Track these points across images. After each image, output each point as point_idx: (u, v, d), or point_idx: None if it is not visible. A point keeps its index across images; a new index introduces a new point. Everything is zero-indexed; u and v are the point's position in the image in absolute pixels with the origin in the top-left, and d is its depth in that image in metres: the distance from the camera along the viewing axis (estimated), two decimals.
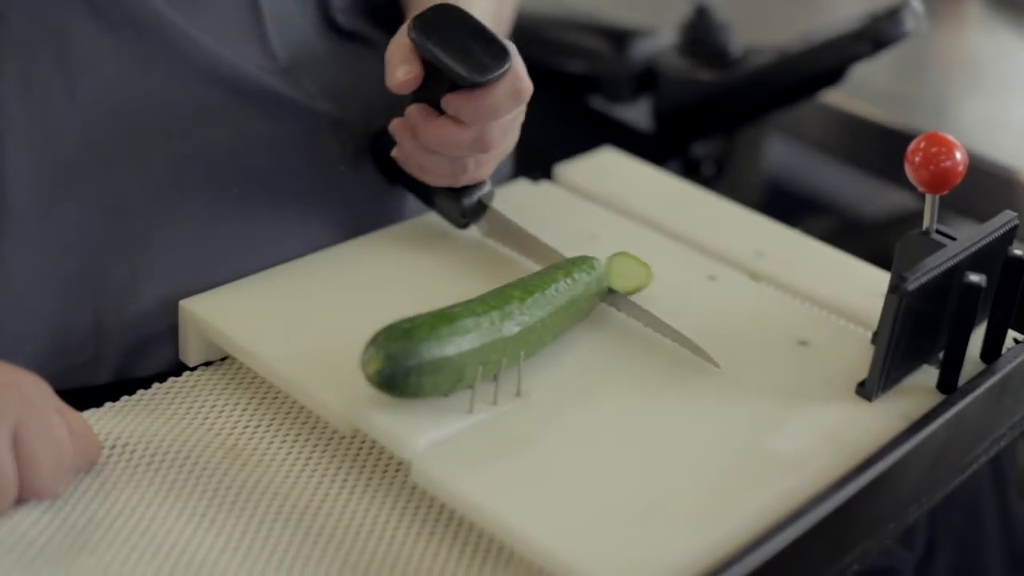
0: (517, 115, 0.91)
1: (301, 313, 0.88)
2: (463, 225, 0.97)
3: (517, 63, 0.87)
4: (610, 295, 0.90)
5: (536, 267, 0.93)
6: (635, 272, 0.91)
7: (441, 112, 0.88)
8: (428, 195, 0.98)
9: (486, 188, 0.96)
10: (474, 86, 0.86)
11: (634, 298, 0.90)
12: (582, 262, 0.88)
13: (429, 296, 0.84)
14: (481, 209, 0.96)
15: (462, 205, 0.95)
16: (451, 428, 0.78)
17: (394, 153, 0.94)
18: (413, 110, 0.90)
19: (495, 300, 0.82)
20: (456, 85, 0.86)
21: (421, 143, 0.90)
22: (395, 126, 0.92)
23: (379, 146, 0.97)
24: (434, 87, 0.88)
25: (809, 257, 1.00)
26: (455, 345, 0.78)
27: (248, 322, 0.87)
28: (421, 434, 0.77)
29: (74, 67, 0.86)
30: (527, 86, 0.87)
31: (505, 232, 0.96)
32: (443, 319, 0.78)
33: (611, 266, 0.90)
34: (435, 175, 0.92)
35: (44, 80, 0.85)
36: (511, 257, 0.96)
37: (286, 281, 0.91)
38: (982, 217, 0.86)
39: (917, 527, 1.02)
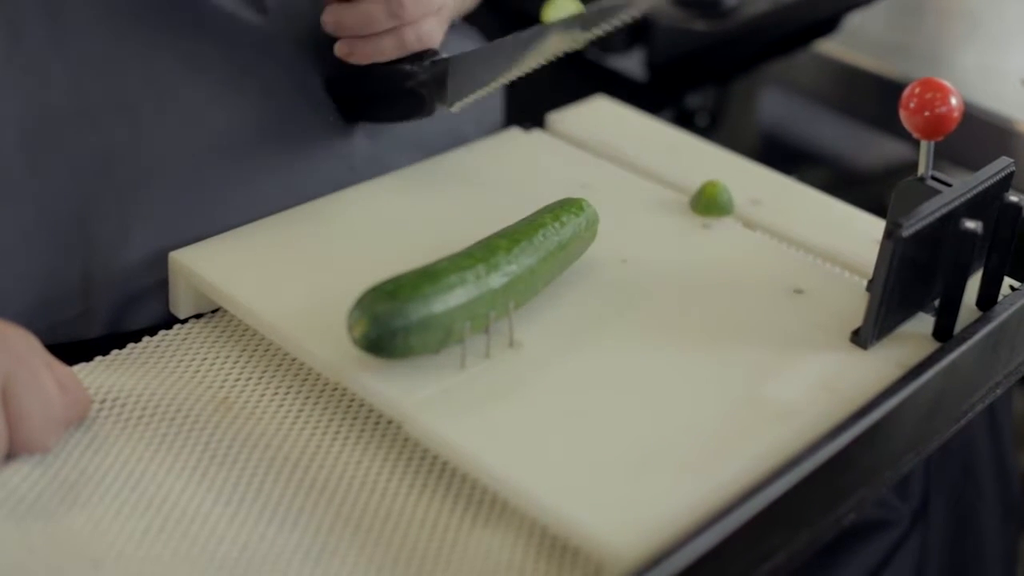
0: None
1: (292, 264, 0.88)
2: (431, 103, 0.94)
3: None
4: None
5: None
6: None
7: None
8: (390, 101, 0.95)
9: (439, 54, 0.94)
10: None
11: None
12: (570, 204, 0.88)
13: (421, 245, 0.84)
14: (443, 67, 0.94)
15: (420, 74, 0.93)
16: (443, 385, 0.78)
17: (337, 49, 0.92)
18: None
19: (481, 252, 0.81)
20: None
21: None
22: (325, 13, 0.92)
23: (333, 90, 0.96)
24: None
25: (804, 205, 1.00)
26: (442, 302, 0.77)
27: (239, 273, 0.86)
28: (413, 395, 0.77)
29: (62, 17, 0.85)
30: None
31: (476, 66, 0.94)
32: (427, 277, 0.78)
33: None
34: (379, 38, 0.91)
35: (32, 31, 0.84)
36: (504, 202, 0.94)
37: (277, 232, 0.91)
38: (978, 167, 0.85)
39: (912, 478, 1.02)
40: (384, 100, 0.96)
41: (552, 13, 0.90)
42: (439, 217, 0.94)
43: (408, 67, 0.93)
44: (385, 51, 0.92)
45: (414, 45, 0.93)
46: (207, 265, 0.86)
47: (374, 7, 0.90)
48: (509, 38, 0.93)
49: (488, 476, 0.73)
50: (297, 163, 0.94)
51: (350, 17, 0.91)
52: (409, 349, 0.77)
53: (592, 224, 0.88)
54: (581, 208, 0.88)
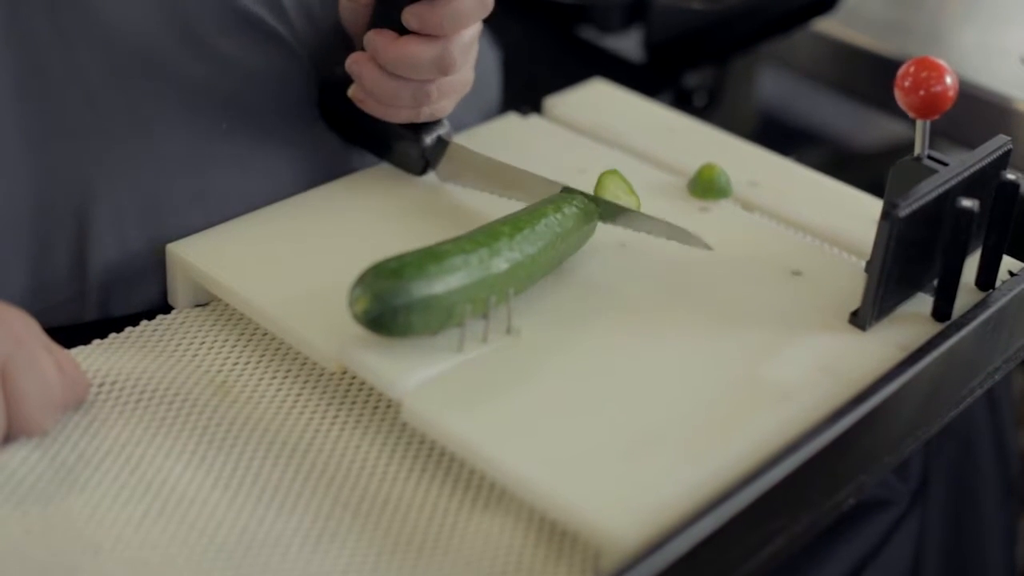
0: (475, 37, 0.91)
1: (290, 254, 0.87)
2: (422, 169, 0.95)
3: None
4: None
5: (510, 201, 0.92)
6: (624, 199, 0.91)
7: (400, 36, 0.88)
8: (381, 143, 0.96)
9: (445, 128, 0.95)
10: None
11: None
12: (572, 195, 0.87)
13: (418, 235, 0.83)
14: (442, 146, 0.94)
15: (423, 144, 0.93)
16: (441, 367, 0.78)
17: (351, 92, 0.92)
18: (373, 34, 0.89)
19: (484, 237, 0.81)
20: None
21: (383, 66, 0.89)
22: (353, 60, 0.90)
23: (327, 99, 0.95)
24: (394, 4, 0.87)
25: (802, 186, 0.99)
26: (444, 283, 0.77)
27: (237, 265, 0.86)
28: (410, 374, 0.76)
29: None
30: None
31: (470, 168, 0.94)
32: (431, 257, 0.77)
33: (602, 183, 0.89)
34: (397, 107, 0.91)
35: (28, 11, 0.84)
36: (496, 196, 0.94)
37: (275, 222, 0.90)
38: (977, 146, 0.85)
39: (911, 458, 1.02)
40: (377, 144, 0.96)
41: (603, 189, 0.90)
42: (436, 204, 0.94)
43: (412, 133, 0.93)
44: (399, 118, 0.92)
45: (426, 119, 0.93)
46: (205, 257, 0.86)
47: (401, 89, 0.89)
48: (529, 174, 0.92)
49: (486, 463, 0.73)
50: (297, 151, 0.94)
51: (376, 86, 0.90)
52: (409, 327, 0.77)
53: (591, 216, 0.88)
54: (582, 202, 0.87)
